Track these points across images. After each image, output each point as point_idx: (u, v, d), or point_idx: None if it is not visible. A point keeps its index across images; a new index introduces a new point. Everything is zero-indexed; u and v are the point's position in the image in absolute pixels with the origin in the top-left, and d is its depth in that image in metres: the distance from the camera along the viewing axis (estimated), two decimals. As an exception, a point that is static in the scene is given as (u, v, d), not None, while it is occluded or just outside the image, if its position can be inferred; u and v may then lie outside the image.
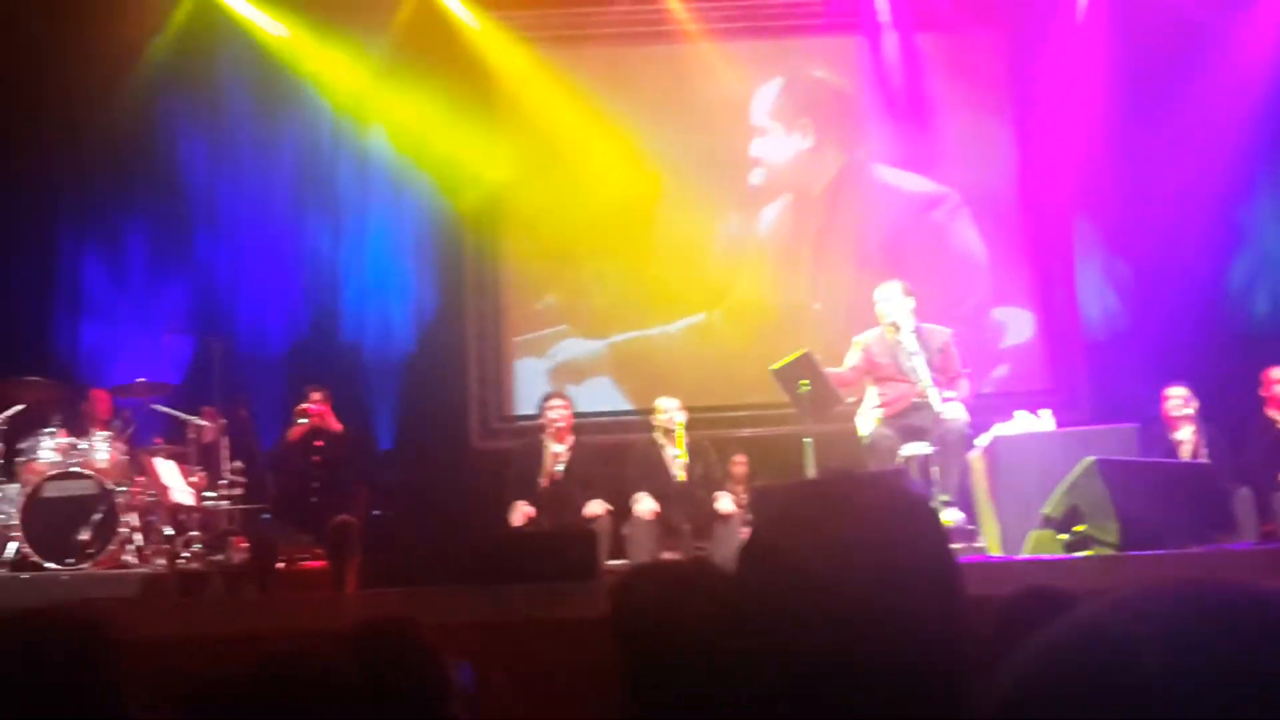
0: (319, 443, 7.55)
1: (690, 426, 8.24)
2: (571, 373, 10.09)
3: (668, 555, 7.50)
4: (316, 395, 7.59)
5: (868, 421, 7.45)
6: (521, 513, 7.73)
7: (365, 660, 2.93)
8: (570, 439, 8.13)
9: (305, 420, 7.44)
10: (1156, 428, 8.08)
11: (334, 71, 10.05)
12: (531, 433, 8.47)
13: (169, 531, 8.02)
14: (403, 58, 10.06)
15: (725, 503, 7.81)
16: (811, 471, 7.27)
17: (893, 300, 7.44)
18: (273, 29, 10.09)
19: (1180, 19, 9.73)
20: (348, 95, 10.11)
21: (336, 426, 7.57)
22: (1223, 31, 9.89)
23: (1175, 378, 8.24)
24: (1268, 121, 10.03)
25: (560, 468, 7.98)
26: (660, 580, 2.52)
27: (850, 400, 7.59)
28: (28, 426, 8.35)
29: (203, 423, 8.55)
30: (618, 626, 2.57)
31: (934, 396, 7.11)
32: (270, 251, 10.23)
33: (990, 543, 7.02)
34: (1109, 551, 5.74)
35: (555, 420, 7.99)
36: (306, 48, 10.04)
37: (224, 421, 8.57)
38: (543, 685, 4.33)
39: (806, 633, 1.17)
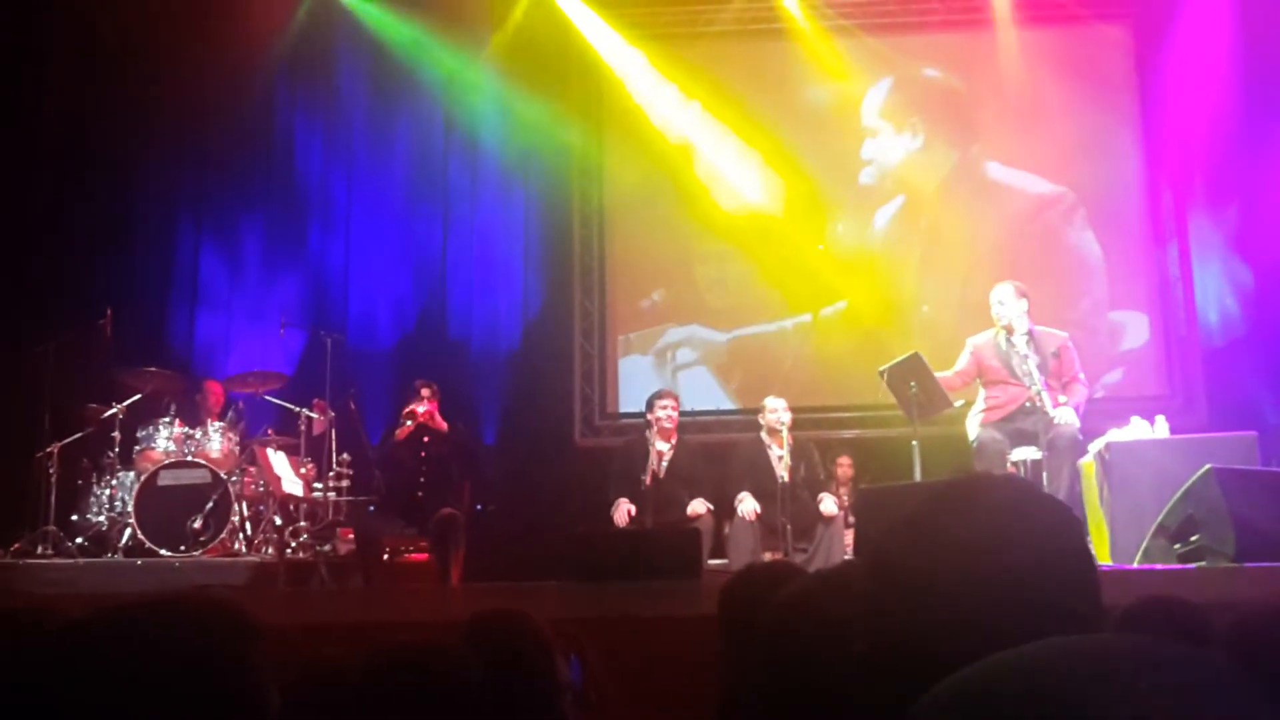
0: (426, 438, 7.63)
1: (796, 427, 8.21)
2: (678, 370, 10.10)
3: (769, 555, 7.47)
4: (425, 390, 7.66)
5: (976, 424, 7.35)
6: (624, 510, 7.75)
7: (480, 652, 2.96)
8: (674, 437, 8.14)
9: (411, 422, 7.53)
10: (1276, 436, 7.87)
11: (449, 70, 10.17)
12: (635, 430, 8.48)
13: (278, 521, 8.19)
14: (518, 55, 10.17)
15: (828, 504, 7.75)
16: (918, 474, 7.19)
17: (1006, 302, 7.35)
18: (391, 27, 10.25)
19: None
20: (462, 93, 10.22)
21: (442, 426, 7.64)
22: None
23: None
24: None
25: (665, 465, 7.99)
26: (770, 581, 2.51)
27: (959, 403, 7.50)
28: (145, 416, 8.59)
29: (313, 415, 8.71)
30: (725, 625, 2.57)
31: (1046, 400, 7.01)
32: (381, 247, 10.40)
33: (1101, 551, 6.87)
34: (1225, 562, 5.58)
35: (664, 419, 8.00)
36: (423, 47, 10.18)
37: (333, 414, 8.73)
38: (644, 682, 4.33)
39: (940, 637, 1.15)
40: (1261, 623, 2.05)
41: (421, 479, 7.58)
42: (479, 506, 8.77)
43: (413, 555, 8.02)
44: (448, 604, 6.01)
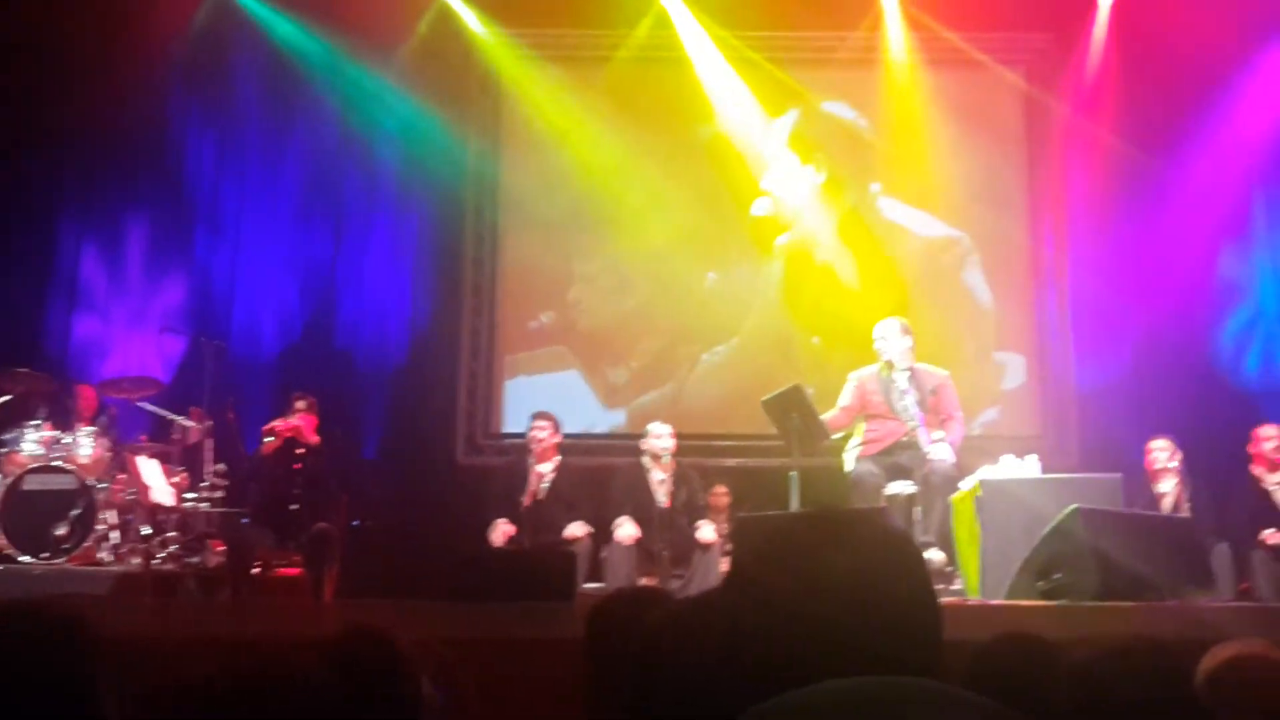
0: (300, 451, 7.53)
1: (679, 453, 8.25)
2: (563, 392, 10.08)
3: (645, 580, 7.50)
4: (301, 403, 7.58)
5: (854, 457, 7.45)
6: (502, 531, 7.72)
7: (341, 668, 2.92)
8: (556, 459, 8.12)
9: (273, 438, 7.43)
10: (1141, 479, 8.12)
11: (349, 81, 10.07)
12: (518, 451, 8.46)
13: (146, 531, 8.01)
14: (419, 70, 10.12)
15: (706, 531, 7.80)
16: (795, 504, 7.27)
17: (890, 338, 7.48)
18: (292, 35, 10.13)
19: (1184, 78, 9.81)
20: (361, 105, 10.12)
21: (313, 439, 7.55)
22: (1222, 96, 9.99)
23: (1163, 431, 8.28)
24: (1263, 182, 10.14)
25: (545, 487, 7.97)
26: (638, 605, 2.53)
27: (838, 436, 7.60)
28: (13, 418, 8.35)
29: (189, 423, 8.55)
30: (592, 648, 2.58)
31: (921, 437, 7.14)
32: (269, 256, 10.25)
33: (970, 585, 7.01)
34: (1087, 600, 5.74)
35: (540, 440, 7.99)
36: (324, 56, 10.07)
37: (210, 423, 8.57)
38: (513, 704, 4.31)
39: (790, 660, 1.18)
40: (1103, 660, 2.12)
41: (295, 492, 7.48)
42: (356, 522, 8.66)
43: (285, 570, 7.88)
44: (317, 620, 5.93)
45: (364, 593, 7.44)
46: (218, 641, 4.81)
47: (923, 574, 1.25)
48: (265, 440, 7.44)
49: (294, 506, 7.46)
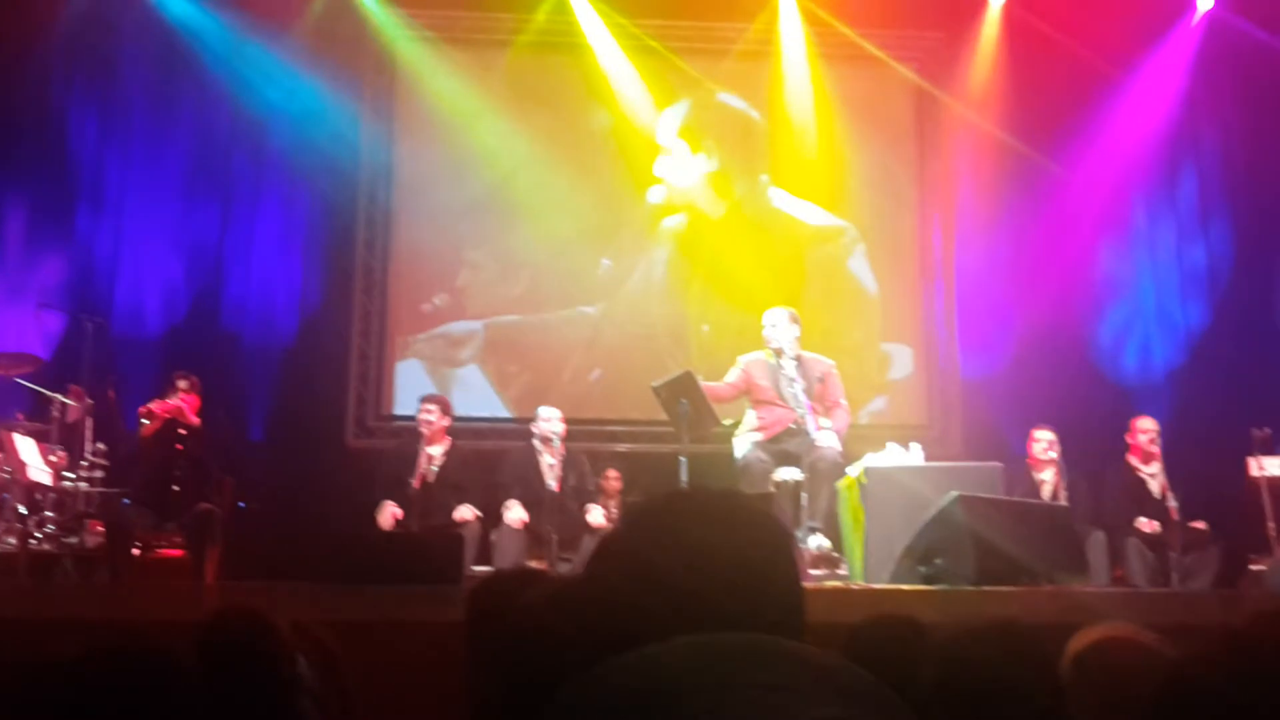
0: (182, 431, 7.39)
1: (570, 438, 8.26)
2: (455, 375, 10.03)
3: (534, 564, 7.49)
4: (182, 383, 7.43)
5: (743, 444, 7.51)
6: (389, 513, 7.65)
7: (213, 649, 2.88)
8: (446, 442, 8.08)
9: (148, 421, 7.28)
10: (1022, 468, 8.31)
11: (241, 58, 9.87)
12: (408, 434, 8.39)
13: (22, 510, 7.80)
14: (313, 49, 9.95)
15: (595, 515, 7.83)
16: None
17: (779, 326, 7.54)
18: (181, 9, 9.91)
19: (1070, 79, 10.04)
20: (252, 83, 9.92)
21: (193, 421, 7.41)
22: (1106, 97, 10.25)
23: (1043, 421, 8.48)
24: (1143, 182, 10.44)
25: (434, 470, 7.92)
26: (516, 586, 2.53)
27: (728, 422, 7.66)
28: (-118, 394, 8.08)
29: (68, 401, 8.34)
30: (471, 629, 2.58)
31: (809, 424, 7.22)
32: (154, 233, 10.01)
33: (854, 570, 7.12)
34: (965, 585, 5.85)
35: (430, 423, 7.93)
36: (214, 32, 9.86)
37: (90, 402, 8.38)
38: (396, 686, 4.29)
39: (654, 630, 1.18)
40: (966, 640, 2.17)
41: (177, 473, 7.35)
42: (241, 504, 8.52)
43: (166, 551, 7.74)
44: (197, 602, 5.83)
45: (248, 575, 7.33)
46: (92, 623, 4.71)
47: (788, 551, 1.26)
48: (142, 423, 7.28)
49: (176, 488, 7.32)
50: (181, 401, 7.43)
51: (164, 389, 7.62)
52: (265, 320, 10.00)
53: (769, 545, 1.26)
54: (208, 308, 9.91)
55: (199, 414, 7.57)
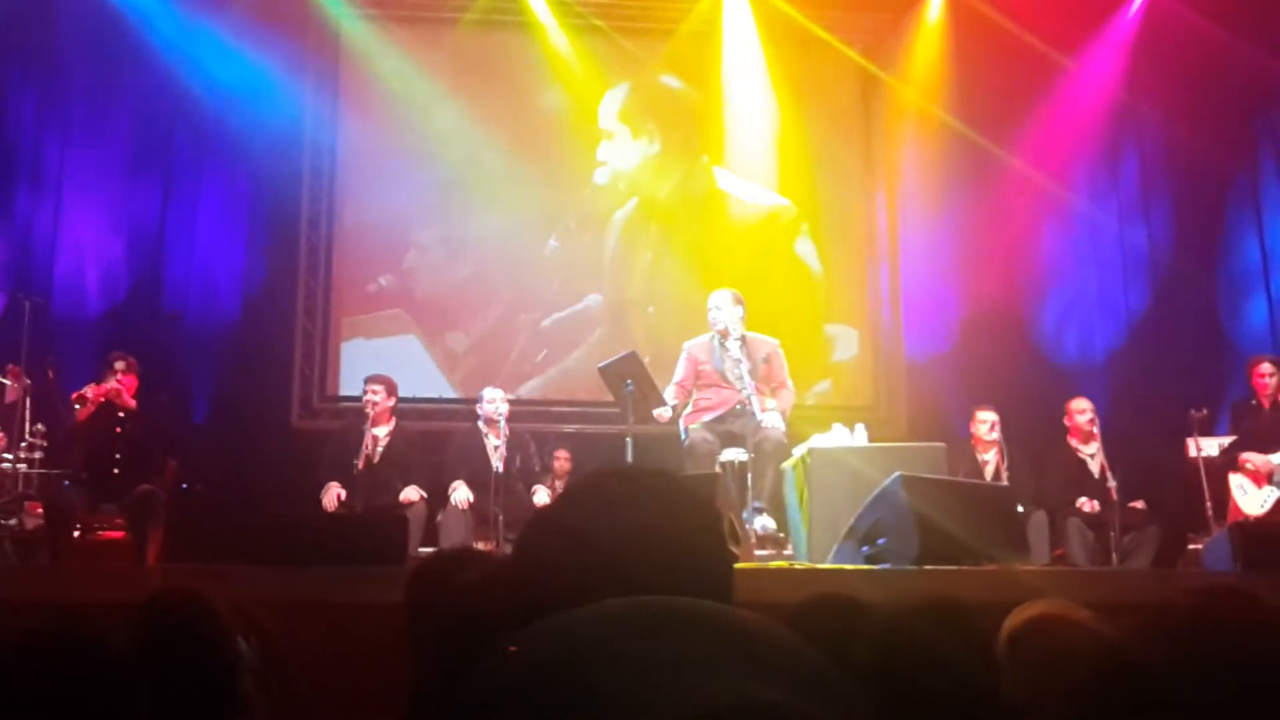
0: (121, 413, 7.31)
1: (518, 419, 8.25)
2: (401, 355, 9.95)
3: (481, 545, 7.48)
4: (120, 364, 7.34)
5: (689, 424, 7.53)
6: (334, 494, 7.63)
7: (149, 632, 2.85)
8: (391, 423, 8.04)
9: (81, 406, 7.19)
10: (965, 448, 8.40)
11: (181, 35, 9.73)
12: (353, 414, 8.35)
13: (-41, 492, 7.70)
14: (255, 24, 9.81)
15: (541, 495, 7.84)
16: (629, 471, 7.30)
17: (723, 308, 7.55)
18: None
19: (1014, 64, 10.11)
20: (194, 60, 9.78)
21: (129, 403, 7.32)
22: (1049, 82, 10.35)
23: (987, 402, 8.57)
24: (1085, 166, 10.55)
25: (379, 451, 7.89)
26: (455, 567, 2.53)
27: (673, 403, 7.68)
28: None
29: (6, 382, 8.23)
30: (411, 610, 2.58)
31: (754, 404, 7.24)
32: (94, 213, 9.85)
33: (799, 550, 7.17)
34: (908, 565, 5.90)
35: (375, 404, 7.90)
36: (154, 7, 9.71)
37: (29, 383, 8.26)
38: (338, 666, 4.27)
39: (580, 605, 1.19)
40: (902, 618, 2.19)
41: (117, 455, 7.26)
42: (184, 485, 8.44)
43: (108, 533, 7.65)
44: (137, 584, 5.77)
45: (191, 557, 7.27)
46: (31, 606, 4.65)
47: (718, 530, 1.27)
48: (75, 407, 7.18)
49: (117, 470, 7.24)
50: (119, 383, 7.34)
51: (101, 371, 7.53)
52: (208, 300, 9.89)
53: (698, 523, 1.27)
54: (149, 288, 9.78)
55: (138, 395, 7.48)
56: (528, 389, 9.44)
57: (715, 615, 0.90)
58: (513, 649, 0.83)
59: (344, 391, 9.89)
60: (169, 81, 9.77)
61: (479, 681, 0.83)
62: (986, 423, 8.43)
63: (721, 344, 7.49)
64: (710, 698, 0.78)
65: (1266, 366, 8.48)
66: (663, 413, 7.42)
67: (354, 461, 7.66)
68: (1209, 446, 8.23)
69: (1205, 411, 8.35)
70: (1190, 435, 8.29)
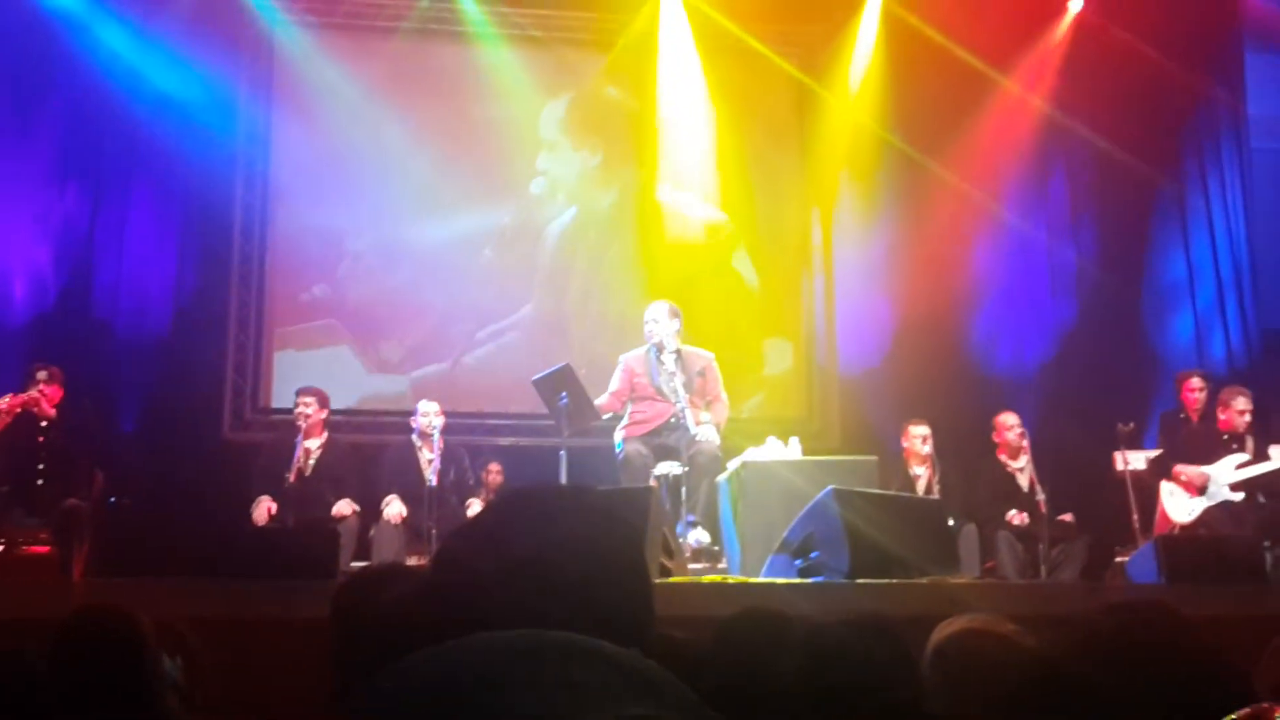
0: (44, 424, 7.18)
1: (451, 431, 8.21)
2: (336, 367, 9.86)
3: (414, 559, 7.44)
4: (42, 374, 7.22)
5: (623, 437, 7.54)
6: (265, 507, 7.55)
7: (75, 649, 2.82)
8: (324, 435, 7.98)
9: None
10: (898, 462, 8.47)
11: (110, 37, 9.58)
12: (285, 426, 8.27)
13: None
14: (187, 29, 9.69)
15: (475, 509, 7.79)
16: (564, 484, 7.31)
17: (660, 321, 7.56)
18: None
19: (947, 78, 10.23)
20: (122, 63, 9.64)
21: (49, 413, 7.20)
22: (981, 96, 10.49)
23: (920, 416, 8.65)
24: (1016, 180, 10.70)
25: (310, 464, 7.83)
26: (381, 583, 2.51)
27: (607, 416, 7.68)
28: None
29: (-74, 392, 8.05)
30: (336, 626, 2.55)
31: (688, 418, 7.26)
32: (20, 220, 9.65)
33: (732, 564, 7.18)
34: (840, 578, 5.94)
35: (307, 416, 7.83)
36: (83, 10, 9.56)
37: (-53, 392, 8.09)
38: (265, 682, 4.23)
39: (500, 624, 1.19)
40: (826, 633, 2.21)
41: (41, 467, 7.14)
42: (112, 498, 8.32)
43: (32, 548, 7.51)
44: (62, 600, 5.68)
45: (118, 571, 7.18)
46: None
47: (632, 542, 1.28)
48: None
49: (41, 482, 7.12)
50: (40, 393, 7.21)
51: (24, 380, 7.40)
52: (138, 309, 9.71)
53: (619, 540, 1.27)
54: (77, 296, 9.59)
55: (63, 405, 7.36)
56: (462, 401, 9.37)
57: (600, 651, 0.90)
58: (389, 682, 0.83)
59: (276, 403, 9.78)
60: (98, 88, 9.61)
61: (372, 700, 0.83)
62: (918, 436, 8.52)
63: (657, 357, 7.50)
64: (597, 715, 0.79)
65: (1196, 381, 8.66)
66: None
67: (285, 474, 7.60)
68: (1136, 459, 8.37)
69: (1132, 425, 8.48)
70: (1118, 448, 8.41)
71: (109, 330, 9.57)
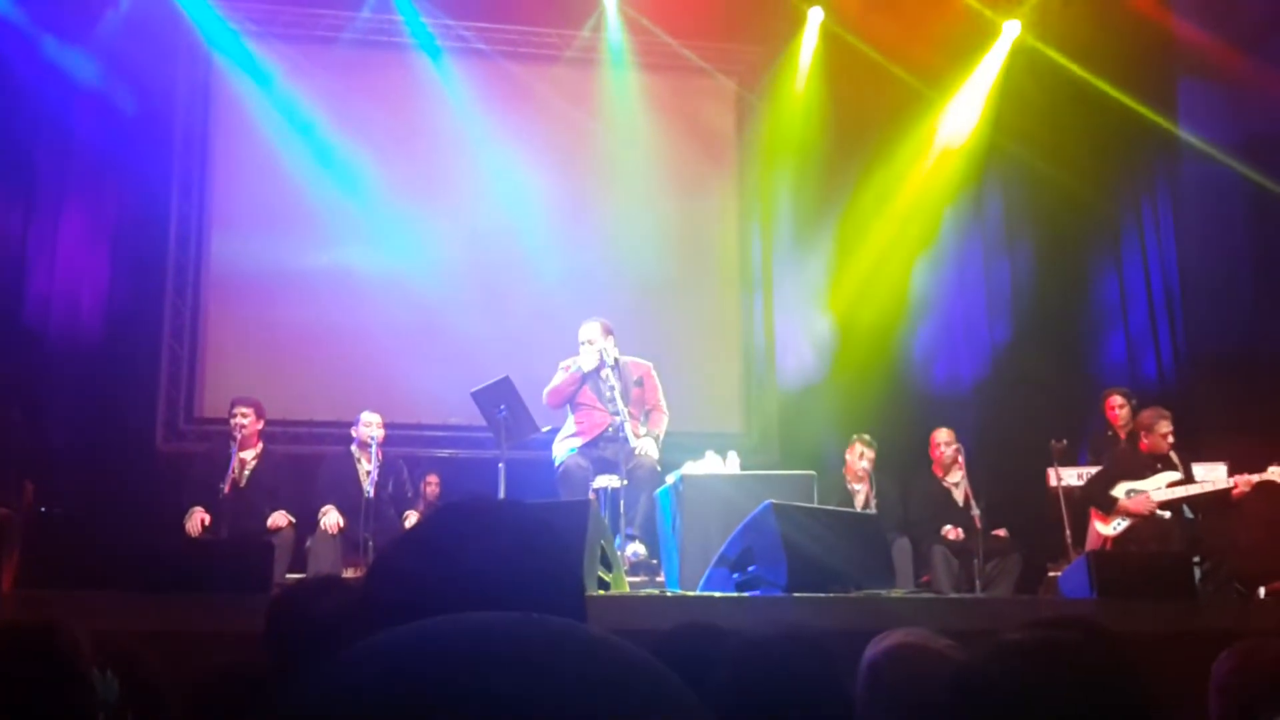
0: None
1: (390, 443, 8.17)
2: (274, 376, 9.74)
3: (351, 570, 7.39)
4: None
5: (562, 450, 7.53)
6: (198, 519, 7.47)
7: (2, 664, 2.77)
8: (259, 446, 7.91)
9: None
10: (837, 477, 8.53)
11: (43, 49, 9.44)
12: (220, 437, 8.18)
13: None
14: (120, 40, 9.59)
15: (412, 521, 7.75)
16: (502, 495, 7.30)
17: (595, 340, 7.57)
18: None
19: (886, 97, 10.35)
20: (56, 75, 9.50)
21: None
22: (908, 116, 10.63)
23: (858, 431, 8.72)
24: (953, 202, 10.83)
25: (246, 475, 7.75)
26: (317, 595, 2.50)
27: (547, 429, 7.67)
28: None
29: None
30: (271, 640, 2.54)
31: (628, 429, 7.27)
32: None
33: (670, 577, 7.19)
34: (777, 592, 5.96)
35: (242, 426, 7.76)
36: (16, 23, 9.41)
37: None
38: (199, 697, 4.17)
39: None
40: (755, 648, 2.23)
41: (-33, 477, 7.04)
42: (42, 509, 8.20)
43: (-41, 559, 7.38)
44: (-11, 612, 5.58)
45: (48, 583, 7.07)
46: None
47: (573, 560, 1.28)
48: None
49: (-33, 493, 7.02)
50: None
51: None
52: (70, 319, 9.59)
53: (552, 554, 1.28)
54: (8, 305, 9.45)
55: (-7, 415, 7.26)
56: (400, 412, 9.31)
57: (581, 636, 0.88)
58: (341, 662, 0.82)
59: (211, 414, 9.67)
60: (31, 96, 9.48)
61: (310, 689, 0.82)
62: (856, 452, 8.59)
63: (597, 370, 7.50)
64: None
65: (1117, 399, 8.78)
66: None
67: (220, 485, 7.52)
68: (1069, 476, 8.47)
69: (1065, 442, 8.58)
70: (1051, 465, 8.52)
71: (40, 339, 9.43)
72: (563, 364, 7.76)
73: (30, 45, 9.44)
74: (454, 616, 0.84)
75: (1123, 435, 8.61)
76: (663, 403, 7.77)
